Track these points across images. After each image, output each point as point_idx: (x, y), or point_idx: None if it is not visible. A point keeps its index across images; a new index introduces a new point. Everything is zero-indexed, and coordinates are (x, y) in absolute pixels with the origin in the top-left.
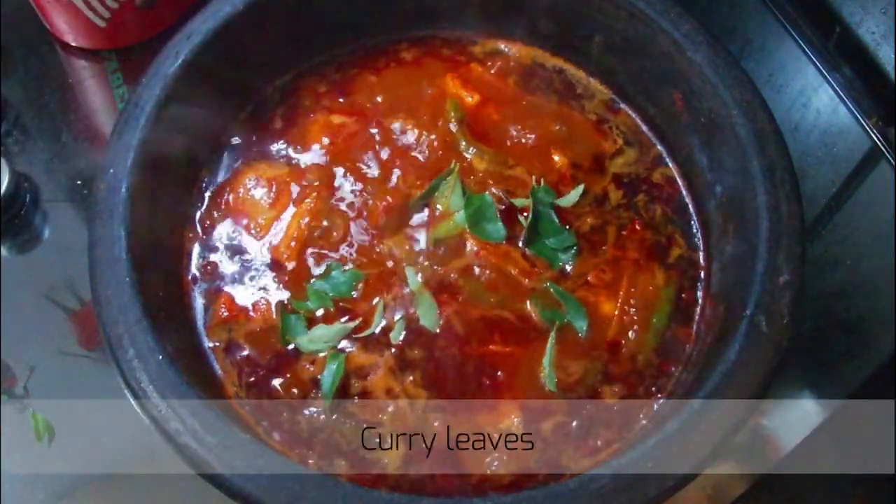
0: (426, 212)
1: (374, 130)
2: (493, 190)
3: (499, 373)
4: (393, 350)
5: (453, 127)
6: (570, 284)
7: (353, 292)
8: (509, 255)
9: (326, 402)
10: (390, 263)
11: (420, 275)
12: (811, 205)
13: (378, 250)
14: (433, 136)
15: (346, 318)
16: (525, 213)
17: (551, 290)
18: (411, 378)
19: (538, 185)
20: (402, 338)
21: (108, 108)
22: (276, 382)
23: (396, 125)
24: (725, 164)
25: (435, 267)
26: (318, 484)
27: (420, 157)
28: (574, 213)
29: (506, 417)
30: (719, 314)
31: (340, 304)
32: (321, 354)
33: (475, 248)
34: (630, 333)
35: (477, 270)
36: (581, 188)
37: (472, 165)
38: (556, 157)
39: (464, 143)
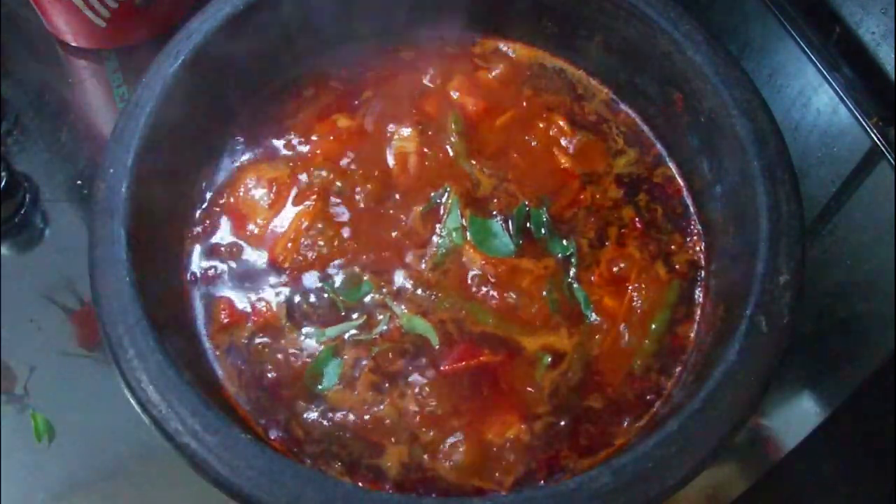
0: (428, 222)
1: (376, 134)
2: (495, 201)
3: (498, 383)
4: (392, 356)
5: (453, 139)
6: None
7: (360, 298)
8: (517, 268)
9: (325, 393)
10: (389, 269)
11: (416, 288)
12: (811, 205)
13: (377, 256)
14: (436, 146)
15: (355, 314)
16: (529, 224)
17: (563, 282)
18: (414, 382)
19: (527, 203)
20: (403, 355)
21: (108, 108)
22: (277, 382)
23: (399, 130)
24: (725, 164)
25: (432, 293)
26: (318, 484)
27: (422, 164)
28: (576, 214)
29: (510, 425)
30: (719, 314)
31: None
32: (321, 348)
33: (481, 263)
34: (632, 333)
35: (481, 287)
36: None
37: (473, 177)
38: (561, 160)
39: (463, 157)
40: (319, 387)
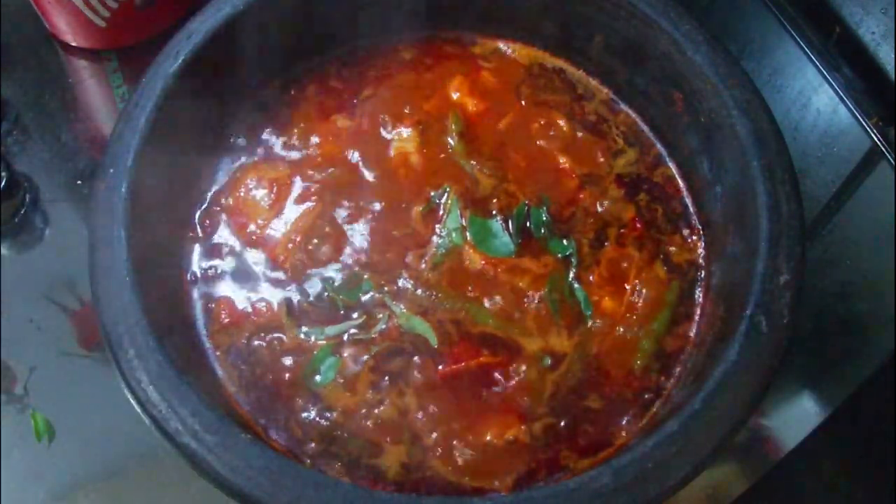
0: (428, 222)
1: (377, 135)
2: (495, 201)
3: (498, 384)
4: (392, 355)
5: (453, 139)
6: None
7: (360, 297)
8: (517, 267)
9: (321, 389)
10: (389, 269)
11: (416, 288)
12: (811, 205)
13: (377, 255)
14: (436, 146)
15: (355, 314)
16: (529, 223)
17: (564, 282)
18: (413, 382)
19: (527, 203)
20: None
21: (108, 108)
22: (277, 382)
23: (399, 130)
24: (725, 164)
25: (432, 293)
26: (318, 484)
27: (422, 164)
28: (575, 214)
29: (509, 426)
30: (719, 314)
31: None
32: (321, 343)
33: (481, 263)
34: (632, 332)
35: (481, 287)
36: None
37: (473, 177)
38: (560, 160)
39: (463, 157)
40: (315, 381)
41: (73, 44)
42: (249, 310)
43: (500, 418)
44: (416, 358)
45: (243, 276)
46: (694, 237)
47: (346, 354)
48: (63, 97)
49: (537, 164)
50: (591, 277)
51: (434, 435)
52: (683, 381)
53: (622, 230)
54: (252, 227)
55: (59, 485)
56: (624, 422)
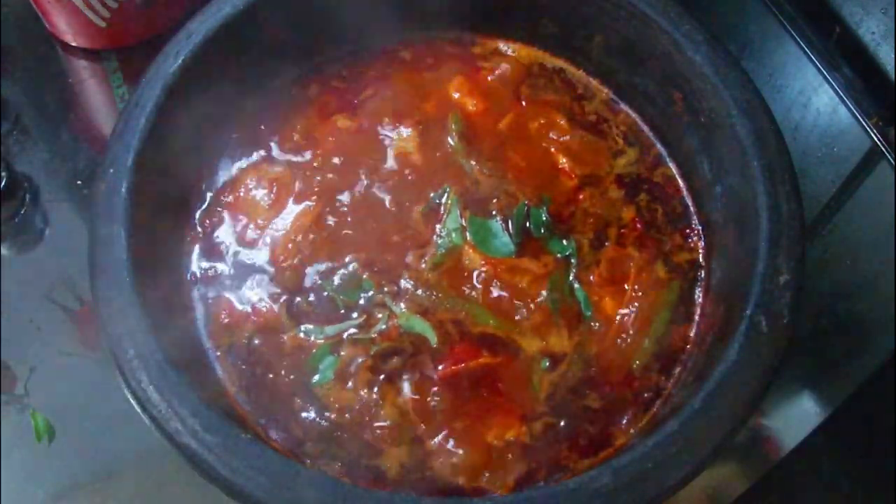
0: (428, 222)
1: (377, 135)
2: (495, 201)
3: (498, 384)
4: (391, 355)
5: (453, 139)
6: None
7: (360, 297)
8: (517, 267)
9: (319, 389)
10: (389, 269)
11: (416, 288)
12: (811, 205)
13: (377, 256)
14: (436, 146)
15: (354, 314)
16: (529, 223)
17: (564, 282)
18: (412, 382)
19: (527, 203)
20: (400, 354)
21: (108, 108)
22: (277, 382)
23: (399, 130)
24: (725, 164)
25: (432, 293)
26: (318, 484)
27: (423, 165)
28: (575, 214)
29: (510, 426)
30: (719, 314)
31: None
32: (320, 342)
33: (481, 263)
34: (631, 333)
35: (481, 287)
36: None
37: (473, 177)
38: (560, 160)
39: (463, 157)
40: (313, 381)
41: (73, 44)
42: (249, 310)
43: (501, 418)
44: (415, 358)
45: (243, 275)
46: (694, 237)
47: (345, 354)
48: (63, 97)
49: (537, 164)
50: (591, 277)
51: (434, 435)
52: (683, 381)
53: (622, 230)
54: (252, 226)
55: (59, 485)
56: (624, 422)
